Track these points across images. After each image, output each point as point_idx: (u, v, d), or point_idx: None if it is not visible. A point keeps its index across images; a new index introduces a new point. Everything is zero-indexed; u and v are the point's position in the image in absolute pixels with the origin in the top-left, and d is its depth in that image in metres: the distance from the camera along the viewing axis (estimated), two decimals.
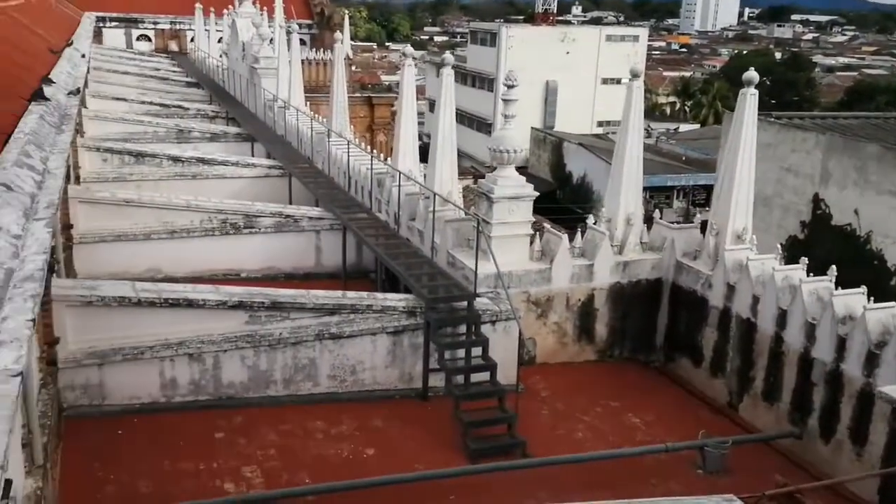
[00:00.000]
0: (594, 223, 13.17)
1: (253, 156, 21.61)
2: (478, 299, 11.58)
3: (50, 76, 14.03)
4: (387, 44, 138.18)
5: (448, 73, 13.84)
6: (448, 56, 13.82)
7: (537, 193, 12.54)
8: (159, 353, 10.34)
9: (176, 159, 19.22)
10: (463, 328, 11.47)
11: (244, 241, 15.56)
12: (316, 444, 10.13)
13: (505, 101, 12.19)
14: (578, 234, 13.12)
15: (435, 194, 13.06)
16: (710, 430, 10.73)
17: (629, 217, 13.21)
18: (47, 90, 12.06)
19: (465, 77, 67.31)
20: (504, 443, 10.24)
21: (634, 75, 12.84)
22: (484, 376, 11.02)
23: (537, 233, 12.91)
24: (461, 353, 11.35)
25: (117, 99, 26.05)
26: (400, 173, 14.41)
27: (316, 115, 22.40)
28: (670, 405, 12.16)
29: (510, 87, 12.06)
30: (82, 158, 18.29)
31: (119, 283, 10.65)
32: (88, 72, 25.00)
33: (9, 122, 10.08)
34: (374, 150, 17.71)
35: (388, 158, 16.57)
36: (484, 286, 11.98)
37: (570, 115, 65.63)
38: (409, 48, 15.75)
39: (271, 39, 26.21)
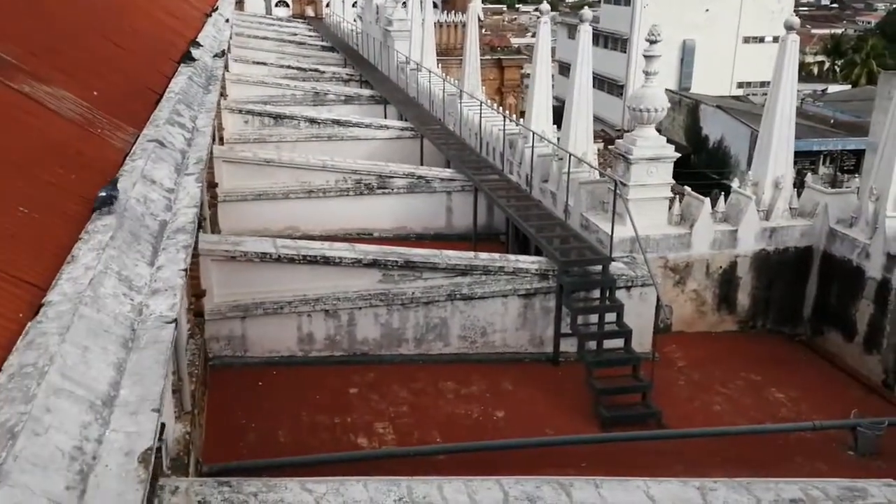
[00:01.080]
0: (739, 186, 12.44)
1: (385, 118, 21.84)
2: (613, 264, 11.22)
3: (197, 39, 14.60)
4: (517, 6, 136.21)
5: (586, 30, 13.36)
6: (586, 12, 13.34)
7: (678, 155, 11.98)
8: (297, 308, 10.64)
9: (312, 121, 19.70)
10: (597, 293, 11.16)
11: (377, 202, 15.78)
12: (446, 403, 10.18)
13: (646, 56, 11.64)
14: (721, 198, 12.45)
15: (570, 154, 12.70)
16: (863, 409, 9.99)
17: (778, 180, 12.39)
18: (195, 52, 12.55)
19: (598, 38, 65.15)
20: (638, 412, 9.93)
21: (789, 28, 11.91)
22: (618, 343, 10.70)
23: (676, 196, 12.34)
24: (594, 318, 11.07)
25: (257, 63, 26.95)
26: (534, 133, 14.11)
27: (448, 77, 22.32)
28: (817, 381, 11.43)
29: (653, 42, 11.50)
30: (225, 120, 19.05)
31: (261, 239, 11.01)
32: (231, 37, 25.97)
33: (161, 82, 10.55)
34: (505, 112, 17.46)
35: (520, 120, 16.28)
36: (619, 250, 11.59)
37: (707, 76, 62.49)
38: (545, 5, 15.32)
39: (404, 2, 26.29)
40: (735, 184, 12.57)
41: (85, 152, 6.50)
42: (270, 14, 51.53)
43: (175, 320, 4.05)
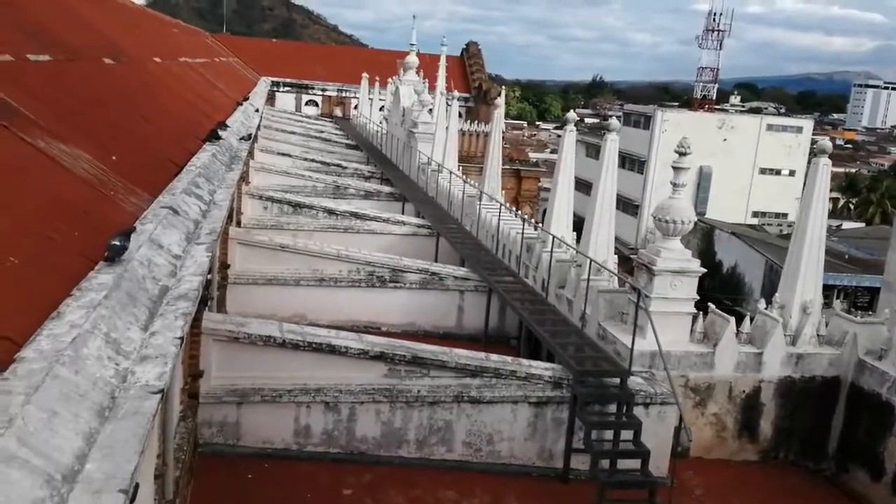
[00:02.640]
0: (765, 308, 12.01)
1: (403, 214, 21.77)
2: (631, 378, 10.67)
3: (226, 122, 14.66)
4: (537, 123, 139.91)
5: (612, 138, 13.30)
6: (614, 122, 13.32)
7: (704, 270, 11.60)
8: (297, 397, 10.10)
9: (331, 212, 19.64)
10: (612, 408, 10.57)
11: (388, 296, 15.42)
12: None
13: (675, 168, 11.47)
14: (747, 320, 12.00)
15: (591, 260, 12.36)
16: None
17: (806, 305, 11.96)
18: (221, 133, 12.52)
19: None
20: None
21: (821, 151, 11.78)
22: (633, 464, 10.02)
23: (700, 313, 11.90)
24: (609, 434, 10.43)
25: (282, 154, 27.28)
26: (553, 237, 13.86)
27: (467, 180, 22.39)
28: None
29: (682, 154, 11.35)
30: (245, 205, 19.01)
31: (266, 322, 10.60)
32: (259, 128, 26.41)
33: (183, 156, 10.41)
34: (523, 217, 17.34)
35: (537, 227, 16.10)
36: (638, 364, 11.07)
37: (723, 203, 63.05)
38: (572, 113, 15.41)
39: (430, 109, 26.79)
40: (762, 305, 12.14)
41: (93, 212, 6.20)
42: (300, 111, 52.93)
43: (162, 391, 3.61)
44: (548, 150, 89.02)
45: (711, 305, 11.96)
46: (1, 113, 6.29)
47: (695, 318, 11.77)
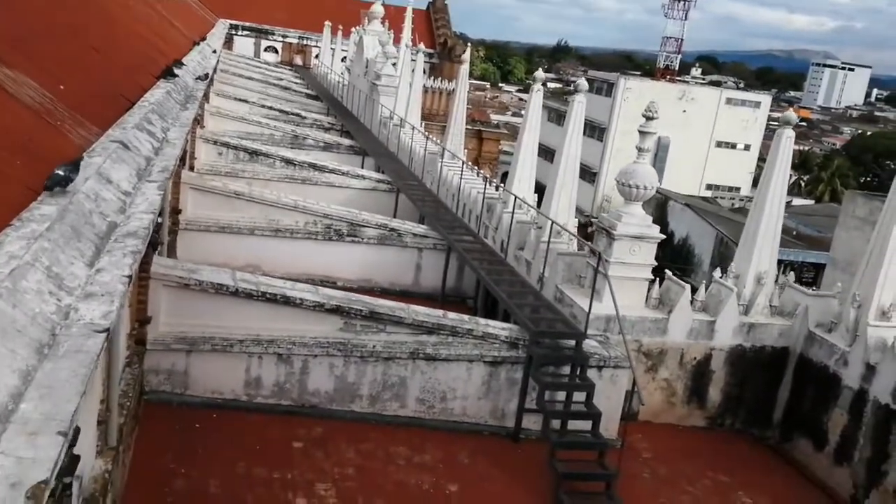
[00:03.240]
0: (720, 277, 12.09)
1: (363, 168, 21.37)
2: (586, 341, 10.67)
3: (181, 60, 14.08)
4: (500, 85, 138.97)
5: (580, 100, 13.13)
6: (582, 82, 13.11)
7: (664, 236, 11.61)
8: (248, 348, 9.85)
9: (289, 162, 19.17)
10: (566, 370, 10.56)
11: (345, 250, 15.15)
12: (396, 469, 9.38)
13: (641, 133, 11.37)
14: (702, 288, 12.07)
15: (553, 222, 12.25)
16: None
17: (760, 276, 12.07)
18: (177, 70, 12.00)
19: None
20: (600, 502, 9.23)
21: (786, 122, 11.79)
22: (583, 425, 10.05)
23: (656, 279, 11.92)
24: (561, 395, 10.45)
25: (239, 100, 26.45)
26: (516, 197, 13.71)
27: (430, 136, 22.06)
28: (785, 489, 10.90)
29: (649, 118, 11.24)
30: (199, 150, 18.40)
31: (219, 270, 10.27)
32: (215, 71, 25.55)
33: (136, 92, 9.94)
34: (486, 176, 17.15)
35: (498, 187, 15.94)
36: (593, 328, 11.05)
37: (678, 175, 63.50)
38: (540, 72, 15.17)
39: (395, 62, 26.22)
40: (716, 274, 12.22)
41: (38, 141, 5.83)
42: (258, 58, 51.53)
43: (108, 330, 3.36)
44: (509, 112, 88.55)
45: (668, 272, 11.98)
46: None
47: (651, 284, 11.80)
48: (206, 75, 14.89)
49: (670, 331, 11.65)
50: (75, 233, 4.21)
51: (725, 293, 11.81)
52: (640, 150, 11.49)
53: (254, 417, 9.69)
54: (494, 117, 65.93)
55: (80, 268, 3.95)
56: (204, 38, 23.54)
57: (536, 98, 14.67)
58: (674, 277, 12.04)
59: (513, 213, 13.83)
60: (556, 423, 10.07)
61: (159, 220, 9.86)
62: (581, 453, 9.80)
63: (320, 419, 10.03)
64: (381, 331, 10.39)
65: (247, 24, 53.78)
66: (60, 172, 4.62)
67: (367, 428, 10.14)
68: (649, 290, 11.83)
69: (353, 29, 34.06)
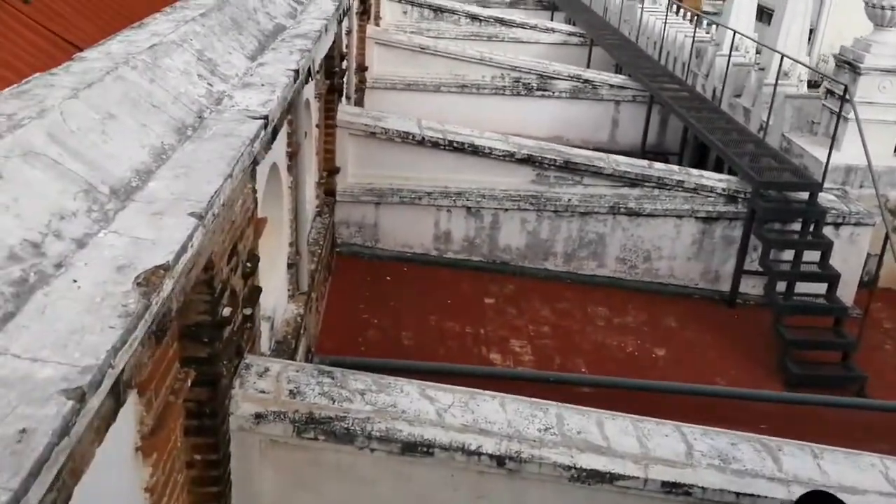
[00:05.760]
0: None
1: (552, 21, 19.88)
2: (822, 194, 9.12)
3: None
4: None
5: None
6: None
7: None
8: (437, 200, 9.32)
9: (474, 17, 18.13)
10: (796, 226, 9.14)
11: (535, 105, 14.11)
12: (595, 330, 8.66)
13: None
14: None
15: (783, 56, 10.41)
16: None
17: None
18: None
19: None
20: (836, 374, 8.04)
21: None
22: (818, 289, 8.71)
23: None
24: (788, 256, 9.09)
25: None
26: (735, 32, 11.88)
27: None
28: None
29: None
30: (384, 8, 17.78)
31: (405, 118, 9.69)
32: None
33: None
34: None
35: (712, 24, 14.02)
36: (829, 181, 9.46)
37: None
38: None
39: None
40: None
41: None
42: None
43: (266, 118, 2.71)
44: None
45: None
46: None
47: None
48: None
49: None
50: (235, 25, 3.60)
51: None
52: None
53: (444, 272, 9.27)
54: None
55: (240, 59, 3.34)
56: None
57: None
58: None
59: (729, 54, 12.03)
60: (781, 287, 8.81)
61: (344, 78, 9.38)
62: (812, 319, 8.53)
63: (512, 276, 9.44)
64: (577, 183, 9.47)
65: None
66: None
67: (562, 287, 9.44)
68: None
69: None
